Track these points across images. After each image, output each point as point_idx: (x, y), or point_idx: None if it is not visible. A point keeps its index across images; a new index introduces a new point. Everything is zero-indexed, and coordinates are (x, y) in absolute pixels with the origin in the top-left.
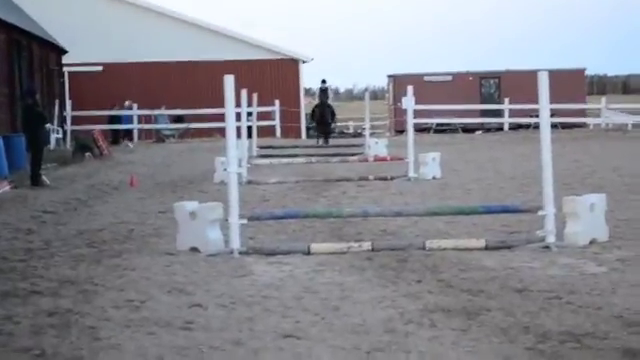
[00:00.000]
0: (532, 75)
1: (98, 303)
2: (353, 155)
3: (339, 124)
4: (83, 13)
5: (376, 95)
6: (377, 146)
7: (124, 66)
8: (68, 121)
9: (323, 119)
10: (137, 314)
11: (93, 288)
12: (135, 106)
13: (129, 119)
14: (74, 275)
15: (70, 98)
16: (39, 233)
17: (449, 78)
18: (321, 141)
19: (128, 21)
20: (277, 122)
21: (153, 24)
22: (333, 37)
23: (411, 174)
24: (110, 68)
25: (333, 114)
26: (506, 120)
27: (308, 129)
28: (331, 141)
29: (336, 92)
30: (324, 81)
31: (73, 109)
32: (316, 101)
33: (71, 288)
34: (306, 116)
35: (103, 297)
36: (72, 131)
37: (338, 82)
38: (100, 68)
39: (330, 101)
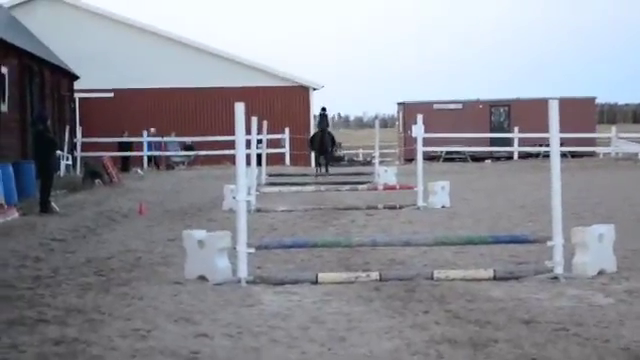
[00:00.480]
0: (542, 103)
1: (105, 332)
2: (362, 183)
3: (348, 151)
4: (94, 39)
5: (386, 123)
6: (386, 174)
7: (135, 92)
8: (78, 147)
9: (323, 147)
10: (143, 343)
11: (100, 317)
12: (145, 133)
13: (170, 147)
14: (81, 304)
15: (80, 124)
16: (47, 261)
17: (459, 106)
18: (321, 169)
19: (139, 48)
20: (287, 150)
21: (164, 51)
22: (344, 65)
23: (420, 203)
24: (121, 94)
25: (333, 141)
26: (516, 149)
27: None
28: (340, 169)
29: (346, 120)
30: (324, 108)
31: (83, 135)
32: (316, 128)
33: (78, 317)
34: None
35: (110, 326)
36: (82, 157)
37: (348, 110)
38: (111, 94)
39: (330, 128)
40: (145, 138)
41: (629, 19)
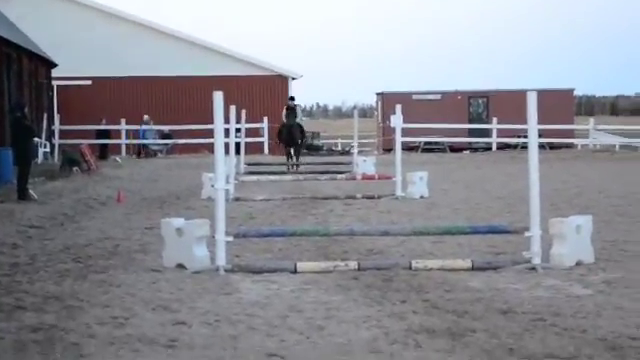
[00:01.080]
0: (520, 95)
1: (83, 319)
2: (341, 173)
3: (327, 141)
4: (73, 27)
5: (365, 113)
6: (365, 164)
7: (113, 81)
8: (56, 135)
9: (292, 139)
10: (121, 331)
11: (78, 304)
12: (123, 121)
13: (148, 134)
14: (59, 291)
15: (59, 112)
16: (25, 248)
17: (438, 97)
18: (292, 161)
19: (118, 35)
20: (265, 139)
21: (143, 39)
22: (322, 54)
23: (399, 193)
24: (99, 82)
25: (302, 133)
26: (494, 140)
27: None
28: (318, 159)
29: (324, 109)
30: (292, 98)
31: (61, 123)
32: (285, 120)
33: (55, 304)
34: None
35: (88, 313)
36: (60, 145)
37: (327, 99)
38: (89, 82)
39: (300, 119)
40: (123, 126)
41: (607, 11)
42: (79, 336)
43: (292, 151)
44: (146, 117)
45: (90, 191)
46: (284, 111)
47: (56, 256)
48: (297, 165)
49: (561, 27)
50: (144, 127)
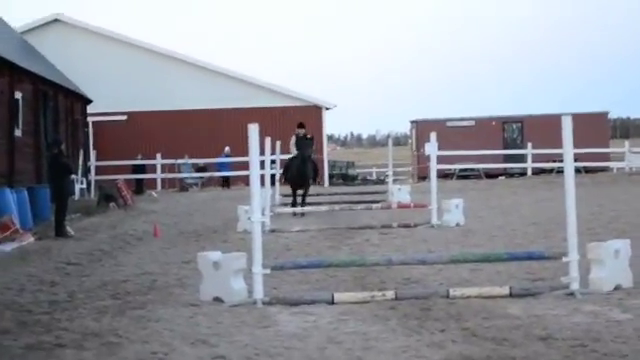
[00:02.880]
0: (555, 119)
1: (122, 355)
2: (376, 202)
3: (362, 170)
4: (107, 62)
5: (399, 141)
6: (400, 193)
7: (148, 115)
8: (92, 171)
9: (303, 179)
10: None
11: (117, 340)
12: (159, 155)
13: (184, 168)
14: (98, 327)
15: (94, 148)
16: (63, 285)
17: (472, 123)
18: (299, 209)
19: (152, 70)
20: None
21: (177, 72)
22: (356, 84)
23: (434, 221)
24: (134, 117)
25: (316, 171)
26: (529, 165)
27: (331, 176)
28: (354, 189)
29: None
30: (302, 125)
31: (97, 159)
32: (295, 151)
33: (95, 340)
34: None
35: (127, 349)
36: (96, 181)
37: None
38: (124, 117)
39: (312, 153)
40: (220, 159)
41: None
42: None
43: (301, 192)
44: (227, 149)
45: (127, 226)
46: (292, 140)
47: (94, 292)
48: (302, 214)
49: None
50: (179, 161)
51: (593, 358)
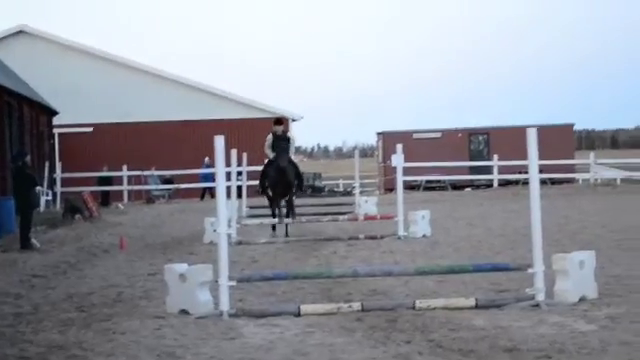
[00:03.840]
0: (521, 131)
1: None
2: (343, 214)
3: (328, 182)
4: (73, 74)
5: (366, 153)
6: (367, 204)
7: (114, 127)
8: (58, 183)
9: (285, 187)
10: None
11: (82, 353)
12: (125, 167)
13: (150, 180)
14: (63, 340)
15: (60, 159)
16: (28, 297)
17: (438, 135)
18: (279, 226)
19: (118, 81)
20: None
21: (143, 84)
22: (322, 95)
23: (401, 232)
24: (100, 129)
25: (300, 177)
26: (495, 177)
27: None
28: (320, 200)
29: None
30: (279, 121)
31: (63, 171)
32: (271, 154)
33: (60, 353)
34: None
35: None
36: (62, 193)
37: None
38: (90, 129)
39: (292, 155)
40: (203, 170)
41: (606, 45)
42: None
43: (282, 203)
44: (207, 159)
45: (92, 238)
46: (268, 140)
47: (59, 305)
48: (287, 233)
49: (560, 62)
50: (146, 173)
51: None
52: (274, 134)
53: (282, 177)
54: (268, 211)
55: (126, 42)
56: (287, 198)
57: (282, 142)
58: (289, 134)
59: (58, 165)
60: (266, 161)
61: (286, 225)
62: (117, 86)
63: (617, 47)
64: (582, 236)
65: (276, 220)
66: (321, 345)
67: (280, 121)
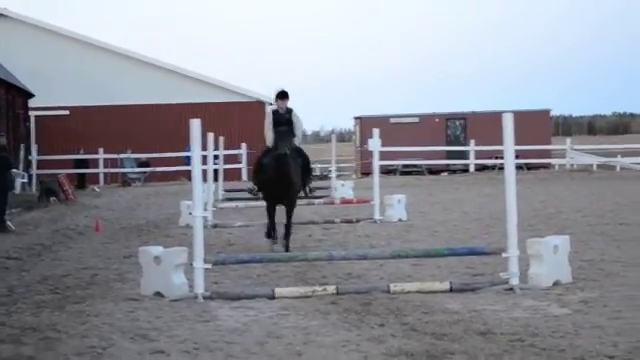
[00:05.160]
0: (498, 116)
1: (60, 350)
2: (319, 198)
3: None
4: (50, 57)
5: (343, 137)
6: (343, 188)
7: (91, 109)
8: (34, 165)
9: (283, 182)
10: None
11: (56, 335)
12: (101, 150)
13: (126, 163)
14: (36, 322)
15: (36, 142)
16: (2, 279)
17: (416, 120)
18: (276, 236)
19: (95, 64)
20: (244, 165)
21: (120, 67)
22: (300, 79)
23: (377, 217)
24: (76, 111)
25: (307, 171)
26: (472, 161)
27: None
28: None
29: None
30: (284, 94)
31: (39, 153)
32: (271, 137)
33: (33, 335)
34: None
35: (66, 344)
36: (38, 175)
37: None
38: (66, 112)
39: (299, 140)
40: (101, 155)
41: (583, 32)
42: None
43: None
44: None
45: (68, 221)
46: (268, 119)
47: (34, 287)
48: (287, 244)
49: (537, 48)
50: (122, 156)
51: (531, 353)
52: (276, 112)
53: (280, 171)
54: (244, 194)
55: (105, 26)
56: (287, 205)
57: (284, 123)
58: (295, 113)
59: (34, 147)
60: (262, 149)
61: (286, 243)
62: (94, 69)
63: (595, 35)
64: (557, 221)
65: (273, 230)
66: (295, 328)
67: (284, 94)
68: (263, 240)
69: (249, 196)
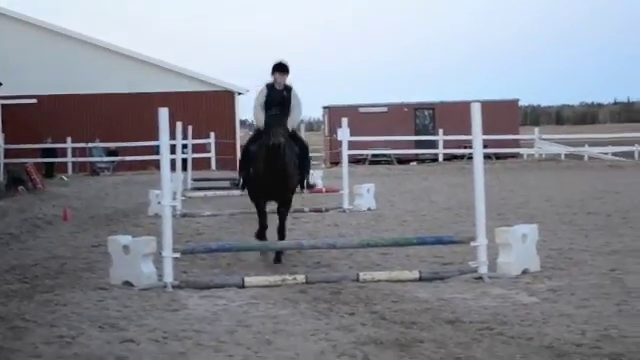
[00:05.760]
0: (466, 106)
1: (29, 339)
2: None
3: None
4: (17, 45)
5: (312, 127)
6: (312, 177)
7: (59, 98)
8: (1, 154)
9: (277, 177)
10: (68, 350)
11: (24, 324)
12: (69, 139)
13: (95, 152)
14: (5, 311)
15: (3, 131)
16: None
17: (384, 109)
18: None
19: (63, 53)
20: (213, 154)
21: (88, 56)
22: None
23: (346, 206)
24: (45, 100)
25: (305, 163)
26: (440, 151)
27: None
28: None
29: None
30: (283, 67)
31: (6, 142)
32: (262, 119)
33: (1, 324)
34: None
35: (34, 333)
36: (5, 164)
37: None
38: (34, 100)
39: (296, 123)
40: (69, 144)
41: (551, 22)
42: (25, 356)
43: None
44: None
45: (36, 210)
46: (260, 95)
47: (2, 277)
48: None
49: (506, 39)
50: (90, 145)
51: (499, 341)
52: (270, 87)
53: (273, 165)
54: (214, 183)
55: (73, 14)
56: (281, 203)
57: (281, 102)
58: (295, 91)
59: (1, 136)
60: (251, 133)
61: (279, 236)
62: (62, 58)
63: (563, 24)
64: (525, 210)
65: (263, 237)
66: (265, 317)
67: (283, 68)
68: (230, 229)
69: (218, 185)
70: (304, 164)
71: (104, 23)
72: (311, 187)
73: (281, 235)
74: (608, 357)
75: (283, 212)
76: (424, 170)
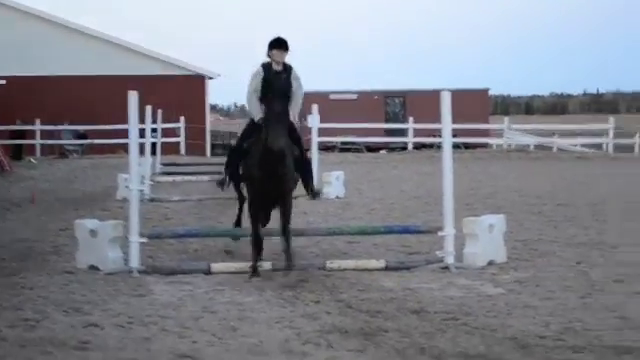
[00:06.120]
0: (436, 94)
1: None
2: None
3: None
4: None
5: None
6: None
7: (28, 80)
8: None
9: (274, 178)
10: (33, 333)
11: None
12: (38, 121)
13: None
14: None
15: None
16: None
17: (354, 97)
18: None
19: (33, 34)
20: (182, 139)
21: (58, 38)
22: (239, 54)
23: None
24: (13, 82)
25: (301, 150)
26: (410, 139)
27: (213, 147)
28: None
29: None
30: (281, 43)
31: None
32: (257, 107)
33: None
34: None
35: None
36: None
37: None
38: (3, 82)
39: (297, 109)
40: (38, 126)
41: (522, 12)
42: None
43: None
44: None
45: (3, 192)
46: (256, 78)
47: None
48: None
49: (477, 27)
50: (59, 127)
51: (464, 332)
52: (267, 67)
53: (273, 169)
54: (182, 169)
55: None
56: (281, 206)
57: (280, 87)
58: (295, 72)
59: None
60: (246, 123)
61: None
62: (32, 39)
63: (535, 16)
64: (494, 200)
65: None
66: (230, 303)
67: (282, 44)
68: (198, 214)
69: (187, 170)
70: (307, 168)
71: (74, 5)
72: (317, 194)
73: (287, 239)
74: (571, 349)
75: (285, 213)
76: (394, 158)
